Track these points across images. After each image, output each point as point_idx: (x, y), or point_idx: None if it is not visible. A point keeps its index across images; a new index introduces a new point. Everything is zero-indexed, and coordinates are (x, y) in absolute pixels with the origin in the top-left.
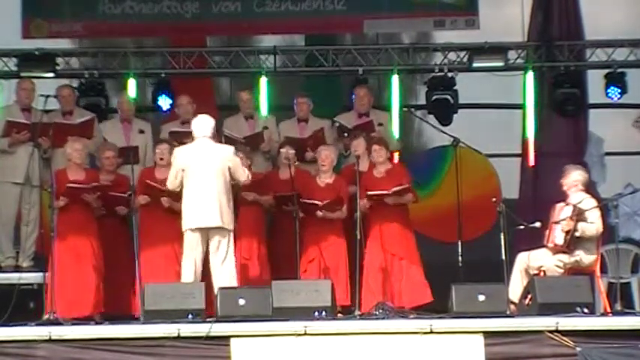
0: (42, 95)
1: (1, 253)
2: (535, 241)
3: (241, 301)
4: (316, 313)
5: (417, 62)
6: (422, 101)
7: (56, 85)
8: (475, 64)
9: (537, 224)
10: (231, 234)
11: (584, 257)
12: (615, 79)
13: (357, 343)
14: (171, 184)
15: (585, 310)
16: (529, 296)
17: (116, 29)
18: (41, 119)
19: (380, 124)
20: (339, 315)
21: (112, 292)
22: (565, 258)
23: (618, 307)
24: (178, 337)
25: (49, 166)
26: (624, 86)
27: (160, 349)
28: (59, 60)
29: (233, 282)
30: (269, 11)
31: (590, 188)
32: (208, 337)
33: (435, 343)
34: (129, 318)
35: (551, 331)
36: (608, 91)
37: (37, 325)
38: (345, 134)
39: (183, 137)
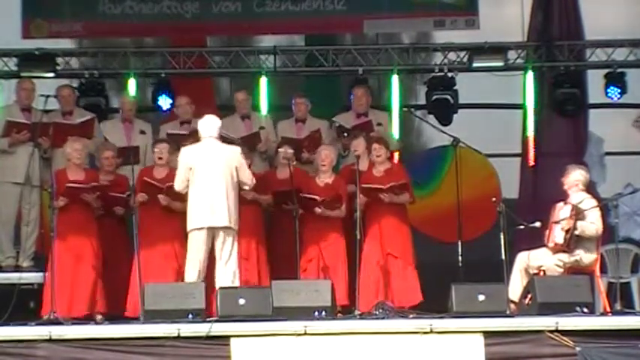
0: (42, 95)
1: (2, 253)
2: (535, 240)
3: (241, 301)
4: (316, 313)
5: (417, 62)
6: (422, 101)
7: (56, 85)
8: (475, 64)
9: (537, 224)
10: (236, 234)
11: (584, 257)
12: (615, 79)
13: (357, 343)
14: (178, 185)
15: (585, 310)
16: (529, 296)
17: (116, 29)
18: (41, 119)
19: (379, 124)
20: (339, 315)
21: (111, 292)
22: (565, 257)
23: (618, 306)
24: (178, 337)
25: (49, 166)
26: (624, 86)
27: (160, 348)
28: (59, 60)
29: (235, 282)
30: (269, 11)
31: (590, 188)
32: (208, 337)
33: (434, 342)
34: (129, 318)
35: (551, 331)
36: (608, 91)
37: (37, 324)
38: (345, 134)
39: (180, 139)
